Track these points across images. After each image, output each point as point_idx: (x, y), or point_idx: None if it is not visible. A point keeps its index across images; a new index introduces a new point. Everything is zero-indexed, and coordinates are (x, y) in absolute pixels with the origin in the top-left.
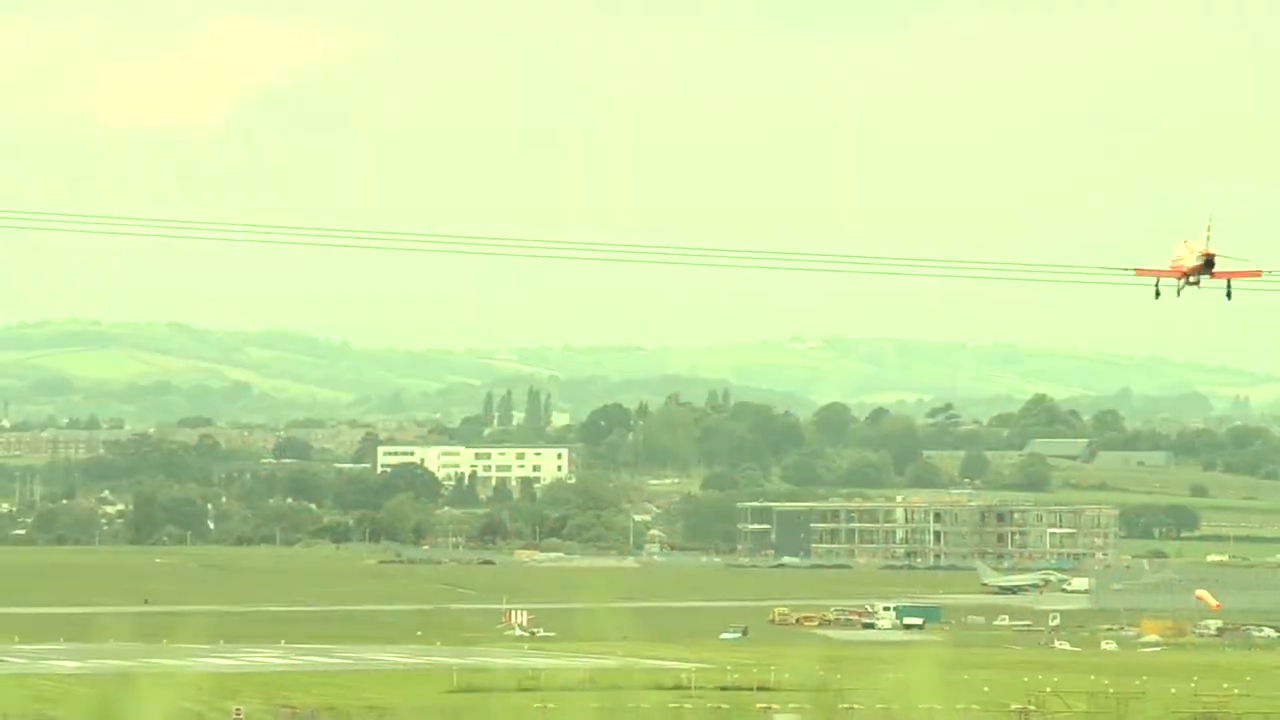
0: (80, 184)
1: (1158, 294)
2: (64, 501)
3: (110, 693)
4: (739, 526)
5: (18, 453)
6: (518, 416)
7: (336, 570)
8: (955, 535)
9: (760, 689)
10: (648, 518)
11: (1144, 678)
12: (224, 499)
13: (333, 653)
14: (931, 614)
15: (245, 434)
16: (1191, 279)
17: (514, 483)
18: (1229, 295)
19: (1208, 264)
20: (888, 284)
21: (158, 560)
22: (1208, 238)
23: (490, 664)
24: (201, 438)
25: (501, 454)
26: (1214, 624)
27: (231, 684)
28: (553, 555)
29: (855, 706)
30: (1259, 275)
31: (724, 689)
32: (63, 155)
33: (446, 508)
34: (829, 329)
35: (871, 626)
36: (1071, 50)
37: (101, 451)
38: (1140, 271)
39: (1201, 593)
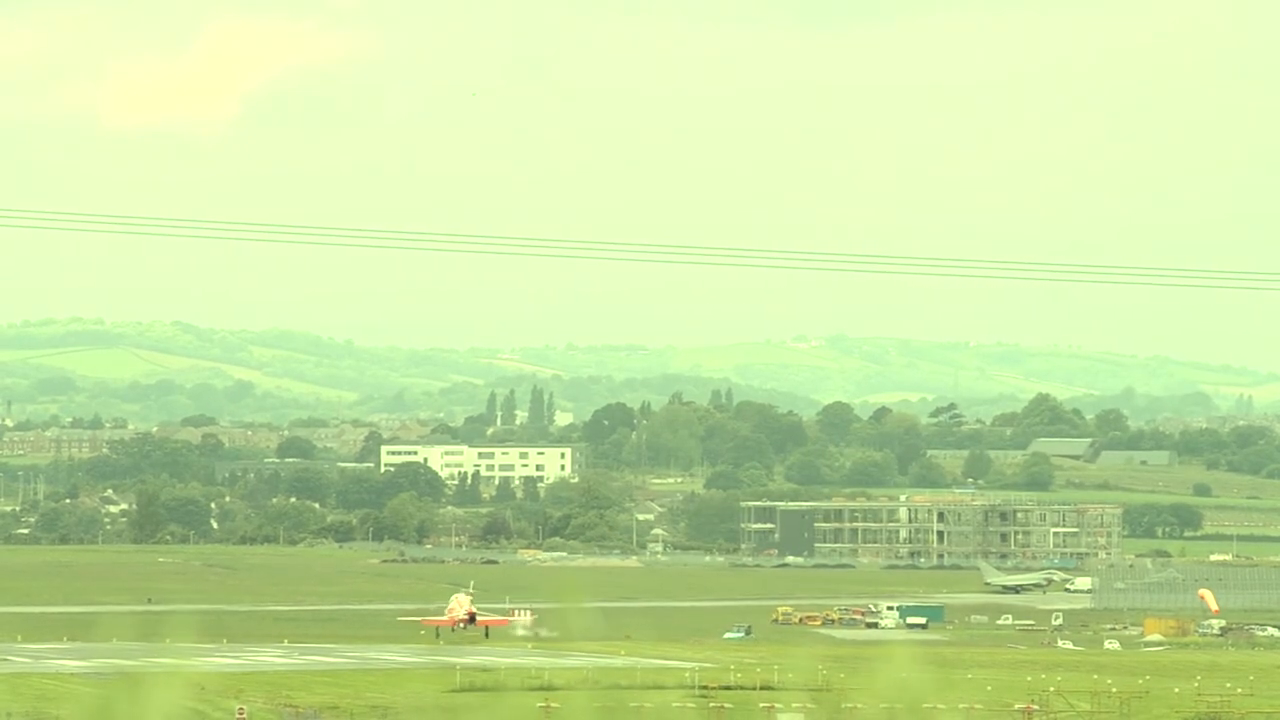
0: (84, 184)
1: (438, 635)
2: (67, 501)
3: (113, 692)
4: (742, 526)
5: (21, 452)
6: (521, 416)
7: (340, 569)
8: (959, 535)
9: (763, 688)
10: (651, 517)
11: (1147, 677)
12: (227, 498)
13: (336, 652)
14: (935, 613)
15: (249, 433)
16: (462, 625)
17: (517, 482)
18: (487, 635)
19: (471, 618)
20: (891, 283)
21: (161, 559)
22: (471, 600)
23: (493, 663)
24: (205, 437)
25: (504, 453)
26: (1217, 623)
27: (235, 683)
28: (556, 555)
29: (858, 706)
30: (506, 623)
31: (727, 688)
32: (66, 155)
33: (450, 507)
34: (832, 328)
35: (875, 626)
36: (1072, 49)
37: (105, 451)
38: (425, 621)
39: (1203, 592)
